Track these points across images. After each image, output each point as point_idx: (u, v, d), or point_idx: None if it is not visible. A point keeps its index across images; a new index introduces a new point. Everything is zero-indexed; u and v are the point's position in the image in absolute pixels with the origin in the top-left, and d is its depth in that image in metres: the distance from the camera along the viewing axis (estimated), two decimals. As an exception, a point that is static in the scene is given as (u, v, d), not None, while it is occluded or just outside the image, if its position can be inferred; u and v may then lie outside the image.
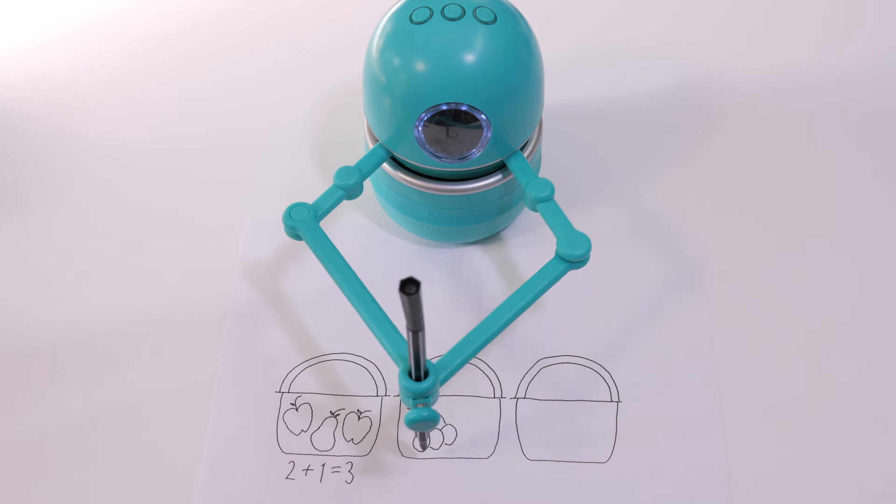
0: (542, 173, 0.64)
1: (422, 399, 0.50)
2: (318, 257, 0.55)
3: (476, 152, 0.56)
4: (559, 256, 0.54)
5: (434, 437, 0.57)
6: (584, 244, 0.54)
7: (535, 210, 0.57)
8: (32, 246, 0.64)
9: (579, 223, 0.63)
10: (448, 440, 0.57)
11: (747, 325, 0.60)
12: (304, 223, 0.56)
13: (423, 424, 0.51)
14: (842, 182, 0.66)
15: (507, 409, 0.58)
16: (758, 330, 0.60)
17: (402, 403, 0.53)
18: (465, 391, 0.58)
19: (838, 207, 0.65)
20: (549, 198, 0.56)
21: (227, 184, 0.67)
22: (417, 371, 0.49)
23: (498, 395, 0.58)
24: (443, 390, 0.58)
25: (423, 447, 0.56)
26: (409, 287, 0.41)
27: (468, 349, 0.52)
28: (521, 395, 0.58)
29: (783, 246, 0.63)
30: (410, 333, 0.46)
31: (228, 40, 0.74)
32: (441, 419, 0.57)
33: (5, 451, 0.57)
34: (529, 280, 0.54)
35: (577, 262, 0.54)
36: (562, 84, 0.67)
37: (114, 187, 0.67)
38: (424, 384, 0.50)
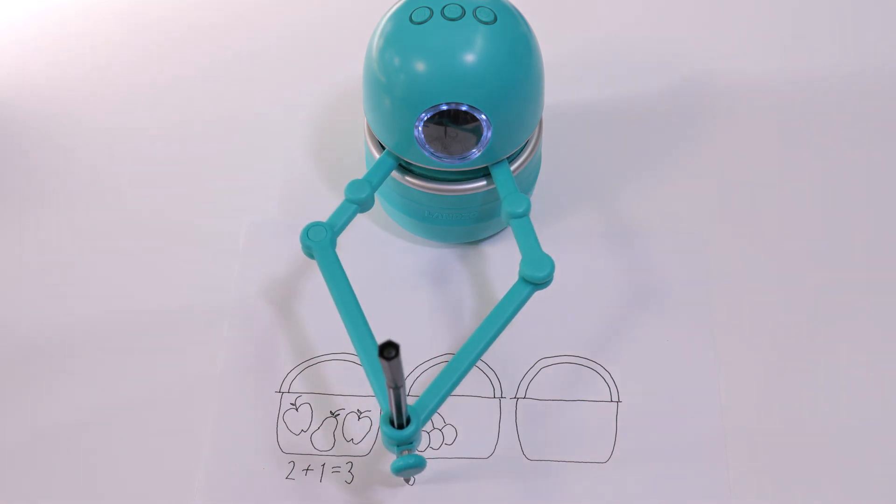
0: (542, 173, 0.64)
1: (406, 445, 0.50)
2: (327, 284, 0.55)
3: (476, 152, 0.56)
4: (522, 278, 0.54)
5: (434, 437, 0.57)
6: (548, 266, 0.53)
7: (509, 224, 0.57)
8: (32, 247, 0.64)
9: (579, 223, 0.63)
10: (448, 440, 0.57)
11: (748, 325, 0.60)
12: (320, 245, 0.55)
13: (411, 471, 0.51)
14: (843, 183, 0.66)
15: (507, 409, 0.58)
16: (758, 330, 0.60)
17: (386, 448, 0.53)
18: (465, 391, 0.58)
19: (840, 208, 0.65)
20: (524, 214, 0.56)
21: (227, 184, 0.67)
22: (399, 420, 0.49)
23: (498, 395, 0.58)
24: (443, 390, 0.58)
25: (408, 481, 0.56)
26: (389, 351, 0.41)
27: (444, 387, 0.52)
28: (521, 395, 0.58)
29: (783, 246, 0.63)
30: (391, 390, 0.46)
31: (227, 40, 0.74)
32: (442, 419, 0.57)
33: (5, 450, 0.57)
34: (497, 307, 0.54)
35: (541, 283, 0.54)
36: (562, 84, 0.67)
37: (113, 188, 0.67)
38: (407, 431, 0.50)
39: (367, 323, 0.54)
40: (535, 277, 0.54)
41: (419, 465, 0.51)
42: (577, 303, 0.61)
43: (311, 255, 0.56)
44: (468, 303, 0.61)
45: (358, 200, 0.57)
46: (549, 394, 0.58)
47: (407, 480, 0.55)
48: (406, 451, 0.51)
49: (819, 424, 0.57)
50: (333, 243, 0.56)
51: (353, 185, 0.57)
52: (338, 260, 0.55)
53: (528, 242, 0.55)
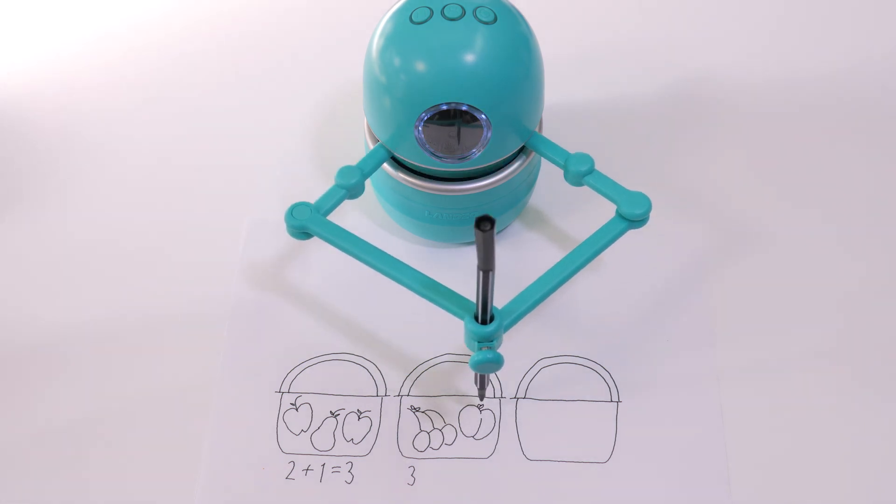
0: (542, 172, 0.64)
1: (486, 343, 0.51)
2: (337, 245, 0.55)
3: (476, 152, 0.56)
4: (620, 216, 0.55)
5: (434, 437, 0.57)
6: (645, 203, 0.55)
7: (580, 185, 0.57)
8: (33, 246, 0.64)
9: (577, 223, 0.63)
10: (448, 440, 0.57)
11: (748, 325, 0.60)
12: (310, 220, 0.55)
13: (488, 366, 0.51)
14: (846, 180, 0.66)
15: (507, 409, 0.58)
16: (758, 330, 0.60)
17: (467, 347, 0.54)
18: (465, 391, 0.58)
19: (841, 207, 0.65)
20: (592, 169, 0.57)
21: (227, 184, 0.67)
22: (484, 314, 0.50)
23: (498, 395, 0.58)
24: (442, 390, 0.58)
25: (482, 396, 0.57)
26: (484, 224, 0.41)
27: (531, 299, 0.53)
28: (521, 395, 0.58)
29: (784, 245, 0.63)
30: (481, 273, 0.46)
31: (228, 40, 0.74)
32: (442, 419, 0.57)
33: (5, 450, 0.57)
34: (590, 238, 0.55)
35: (639, 220, 0.56)
36: (562, 84, 0.67)
37: (114, 188, 0.67)
38: (490, 327, 0.51)
39: (394, 258, 0.54)
40: (634, 214, 0.55)
41: (496, 360, 0.51)
42: (576, 303, 0.61)
43: (301, 235, 0.56)
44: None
45: (347, 186, 0.57)
46: (549, 394, 0.58)
47: (481, 395, 0.56)
48: (486, 348, 0.51)
49: (819, 424, 0.57)
50: (323, 217, 0.56)
51: (344, 171, 0.57)
52: (334, 223, 0.55)
53: (614, 187, 0.56)
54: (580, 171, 0.57)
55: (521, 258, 0.63)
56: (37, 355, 0.60)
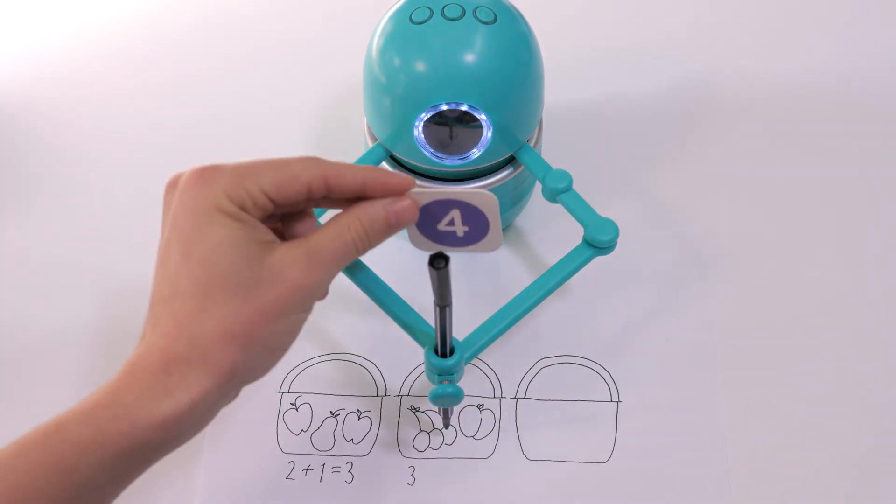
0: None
1: (447, 376, 0.50)
2: None
3: (476, 152, 0.56)
4: (587, 242, 0.54)
5: (434, 437, 0.57)
6: (612, 230, 0.54)
7: (554, 201, 0.56)
8: (30, 247, 0.64)
9: (579, 223, 0.63)
10: (448, 440, 0.57)
11: (748, 325, 0.60)
12: None
13: (447, 400, 0.51)
14: (846, 179, 0.66)
15: (507, 409, 0.58)
16: (759, 330, 0.60)
17: (428, 379, 0.53)
18: (465, 391, 0.58)
19: (841, 207, 0.65)
20: (569, 188, 0.56)
21: (227, 184, 0.66)
22: (443, 347, 0.49)
23: (498, 395, 0.58)
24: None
25: (447, 425, 0.56)
26: (438, 262, 0.41)
27: (493, 329, 0.52)
28: (521, 395, 0.58)
29: (784, 246, 0.63)
30: (437, 309, 0.46)
31: (229, 40, 0.74)
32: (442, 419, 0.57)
33: (5, 451, 0.57)
34: (555, 265, 0.54)
35: (605, 247, 0.54)
36: (562, 84, 0.67)
37: (113, 187, 0.67)
38: (450, 361, 0.50)
39: (374, 273, 0.53)
40: (601, 241, 0.54)
41: (456, 395, 0.51)
42: (576, 303, 0.61)
43: None
44: (468, 302, 0.61)
45: None
46: (549, 394, 0.58)
47: (445, 424, 0.56)
48: (446, 381, 0.51)
49: (819, 425, 0.57)
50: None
51: None
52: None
53: (585, 210, 0.55)
54: (556, 188, 0.56)
55: (521, 258, 0.63)
56: (34, 355, 0.60)
